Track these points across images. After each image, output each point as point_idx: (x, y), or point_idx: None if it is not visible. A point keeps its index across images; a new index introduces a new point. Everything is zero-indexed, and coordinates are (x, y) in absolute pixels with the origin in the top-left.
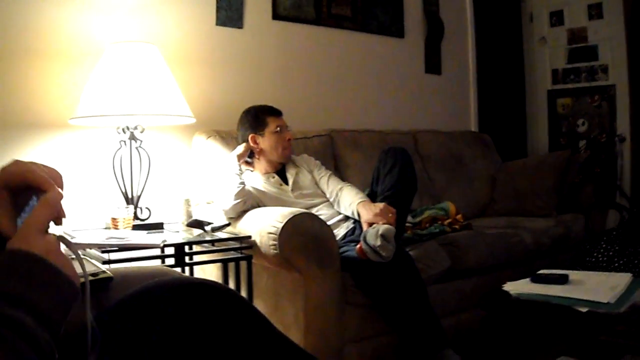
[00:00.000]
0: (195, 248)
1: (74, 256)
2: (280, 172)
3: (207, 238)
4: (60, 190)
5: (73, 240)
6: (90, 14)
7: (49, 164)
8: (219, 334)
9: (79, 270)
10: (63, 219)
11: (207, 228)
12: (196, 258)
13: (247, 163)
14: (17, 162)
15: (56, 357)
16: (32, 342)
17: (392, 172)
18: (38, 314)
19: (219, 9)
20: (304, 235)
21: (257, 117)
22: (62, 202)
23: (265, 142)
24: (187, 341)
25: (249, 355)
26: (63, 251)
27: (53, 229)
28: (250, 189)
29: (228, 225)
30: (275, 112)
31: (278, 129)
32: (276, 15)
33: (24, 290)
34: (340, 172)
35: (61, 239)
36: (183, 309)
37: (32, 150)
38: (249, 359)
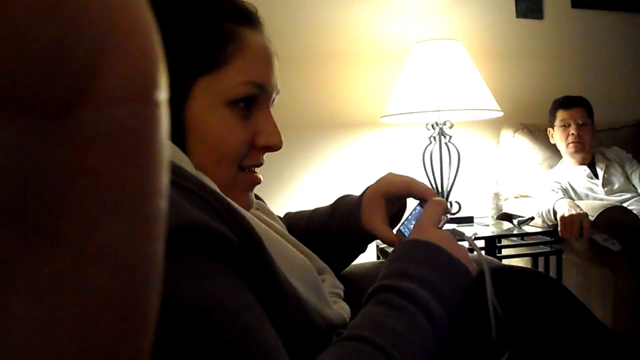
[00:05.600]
0: (504, 242)
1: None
2: (590, 164)
3: (516, 232)
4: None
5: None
6: (394, 15)
7: (362, 160)
8: (556, 322)
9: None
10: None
11: (515, 222)
12: (505, 251)
13: None
14: (395, 175)
15: (447, 333)
16: (427, 313)
17: None
18: (435, 291)
19: (517, 1)
20: (616, 230)
21: (551, 110)
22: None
23: (555, 135)
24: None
25: (581, 344)
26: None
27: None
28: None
29: (532, 219)
30: (564, 105)
31: (563, 123)
32: (575, 3)
33: (422, 269)
34: None
35: (454, 231)
36: (519, 295)
37: (346, 147)
38: (580, 348)
